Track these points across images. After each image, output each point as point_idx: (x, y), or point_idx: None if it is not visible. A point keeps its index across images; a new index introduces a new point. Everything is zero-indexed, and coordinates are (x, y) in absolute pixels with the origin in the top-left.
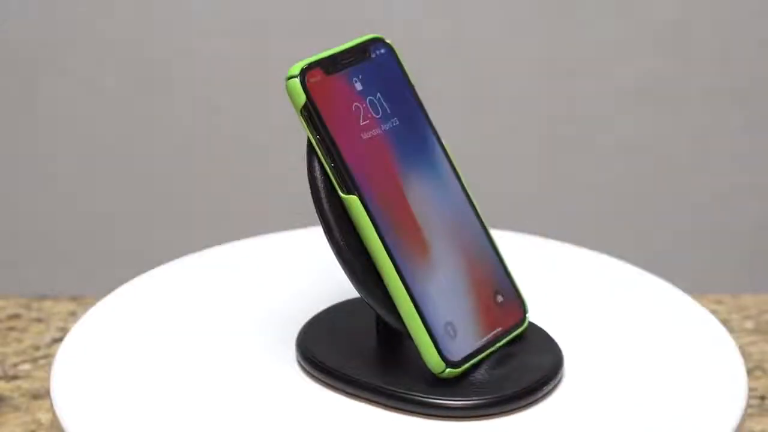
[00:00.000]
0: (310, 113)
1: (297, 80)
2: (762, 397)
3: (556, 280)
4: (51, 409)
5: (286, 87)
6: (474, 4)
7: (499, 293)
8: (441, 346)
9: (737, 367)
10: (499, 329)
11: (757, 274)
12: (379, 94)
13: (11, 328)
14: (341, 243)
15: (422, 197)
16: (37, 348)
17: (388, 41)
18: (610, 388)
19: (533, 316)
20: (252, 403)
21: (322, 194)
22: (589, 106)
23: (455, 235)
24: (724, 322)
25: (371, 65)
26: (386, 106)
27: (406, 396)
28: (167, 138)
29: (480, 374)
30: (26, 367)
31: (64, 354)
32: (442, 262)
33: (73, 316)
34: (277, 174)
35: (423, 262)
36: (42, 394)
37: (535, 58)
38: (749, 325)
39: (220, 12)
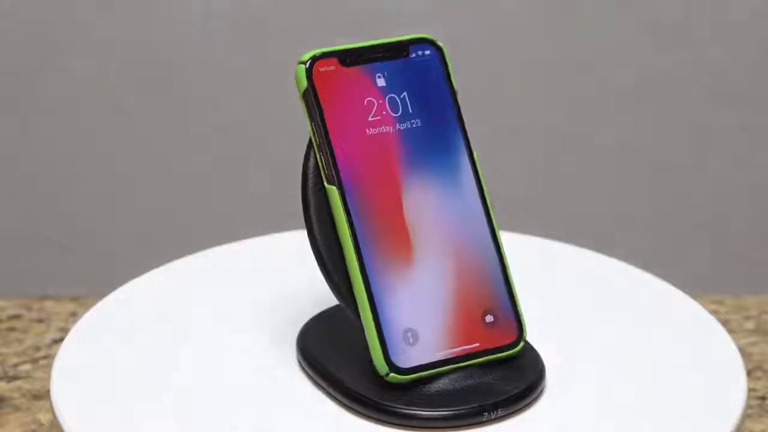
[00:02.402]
0: (310, 100)
1: (304, 66)
2: (762, 398)
3: (555, 280)
4: (51, 409)
5: (294, 72)
6: (474, 4)
7: (491, 313)
8: (391, 350)
9: (737, 367)
10: (475, 344)
11: (757, 275)
12: (405, 93)
13: (12, 329)
14: (315, 231)
15: (422, 203)
16: (37, 348)
17: (439, 43)
18: (608, 387)
19: (532, 316)
20: (251, 403)
21: (310, 182)
22: (589, 106)
23: (453, 247)
24: (724, 323)
25: (406, 64)
26: (410, 106)
27: (371, 401)
28: (167, 138)
29: (451, 386)
30: (26, 367)
31: (64, 354)
32: (424, 270)
33: (74, 316)
34: (278, 174)
35: (399, 266)
36: (42, 395)
37: (534, 58)
38: (749, 325)
39: (221, 11)
